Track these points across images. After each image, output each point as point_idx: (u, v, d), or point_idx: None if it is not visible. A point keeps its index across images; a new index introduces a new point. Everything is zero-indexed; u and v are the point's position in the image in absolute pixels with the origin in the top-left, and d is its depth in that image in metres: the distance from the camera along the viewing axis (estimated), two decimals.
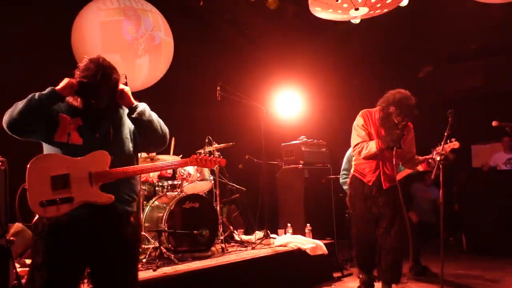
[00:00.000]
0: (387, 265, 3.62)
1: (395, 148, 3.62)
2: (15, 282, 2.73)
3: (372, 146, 3.62)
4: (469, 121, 7.07)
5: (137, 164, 2.28)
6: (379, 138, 3.66)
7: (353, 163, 3.97)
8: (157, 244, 3.94)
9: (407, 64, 7.73)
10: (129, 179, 2.18)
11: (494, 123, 4.38)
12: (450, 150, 4.04)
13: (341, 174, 5.06)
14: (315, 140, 5.86)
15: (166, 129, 2.27)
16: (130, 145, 2.21)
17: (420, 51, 7.60)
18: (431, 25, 6.87)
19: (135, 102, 2.21)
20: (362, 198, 3.77)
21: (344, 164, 5.01)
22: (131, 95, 2.22)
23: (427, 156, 3.93)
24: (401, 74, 7.65)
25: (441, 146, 3.82)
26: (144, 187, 4.65)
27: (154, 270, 3.55)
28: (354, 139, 3.80)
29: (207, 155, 5.00)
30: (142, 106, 2.21)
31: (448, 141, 3.96)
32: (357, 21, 5.20)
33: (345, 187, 4.62)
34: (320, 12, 4.99)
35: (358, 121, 3.83)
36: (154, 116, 2.23)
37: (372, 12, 4.87)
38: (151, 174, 4.87)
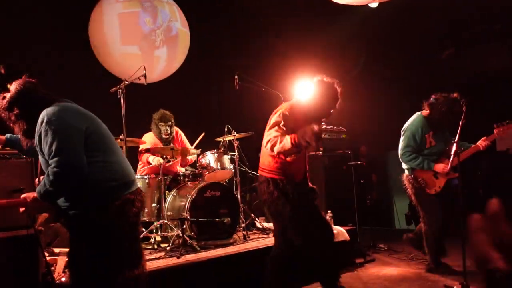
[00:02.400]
0: None
1: None
2: (44, 269, 2.82)
3: None
4: (493, 103, 6.91)
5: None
6: None
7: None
8: (180, 232, 4.00)
9: (429, 47, 7.55)
10: None
11: None
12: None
13: (404, 152, 4.32)
14: (335, 127, 5.82)
15: (50, 188, 2.12)
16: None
17: (441, 33, 7.43)
18: (452, 6, 6.69)
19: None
20: None
21: (407, 140, 4.30)
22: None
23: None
24: (422, 57, 7.50)
25: (457, 135, 3.77)
26: (166, 177, 4.72)
27: (178, 258, 3.62)
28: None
29: (227, 143, 5.03)
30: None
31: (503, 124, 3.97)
32: (375, 4, 5.10)
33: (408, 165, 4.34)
34: None
35: None
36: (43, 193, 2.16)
37: None
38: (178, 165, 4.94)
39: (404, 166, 4.39)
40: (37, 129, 2.20)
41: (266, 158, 3.19)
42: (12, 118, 2.29)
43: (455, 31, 7.31)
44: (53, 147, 2.09)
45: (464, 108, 4.08)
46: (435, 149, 4.29)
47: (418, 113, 4.42)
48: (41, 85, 2.38)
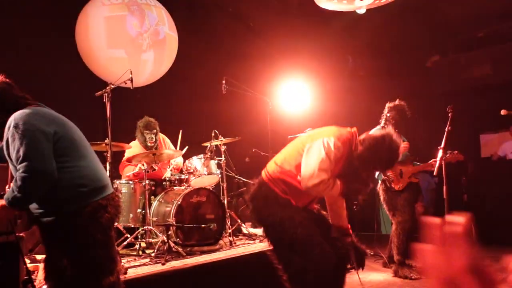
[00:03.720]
0: None
1: None
2: (25, 277, 2.76)
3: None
4: (478, 110, 7.01)
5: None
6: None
7: None
8: (165, 239, 3.96)
9: (414, 54, 7.65)
10: None
11: (502, 112, 4.35)
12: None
13: None
14: None
15: (18, 195, 2.09)
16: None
17: (427, 41, 7.52)
18: (437, 14, 6.79)
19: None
20: None
21: None
22: None
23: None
24: (408, 64, 7.59)
25: (443, 141, 3.85)
26: (151, 182, 4.67)
27: (162, 264, 3.57)
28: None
29: (214, 148, 5.01)
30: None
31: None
32: (363, 11, 5.15)
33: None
34: (325, 3, 4.95)
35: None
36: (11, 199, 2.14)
37: (378, 1, 4.82)
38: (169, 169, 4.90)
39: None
40: (5, 134, 2.15)
41: (285, 175, 2.70)
42: None
43: (440, 39, 7.42)
44: (21, 152, 2.04)
45: (450, 114, 4.16)
46: None
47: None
48: (19, 87, 2.33)
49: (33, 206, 2.19)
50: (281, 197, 2.65)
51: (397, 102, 4.49)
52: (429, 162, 4.45)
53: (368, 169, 2.72)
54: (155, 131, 4.90)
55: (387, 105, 4.52)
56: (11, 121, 2.13)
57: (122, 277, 2.40)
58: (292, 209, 2.65)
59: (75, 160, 2.22)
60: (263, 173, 2.80)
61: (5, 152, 2.20)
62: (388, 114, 4.44)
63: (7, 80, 2.33)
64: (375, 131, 2.79)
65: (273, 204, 2.65)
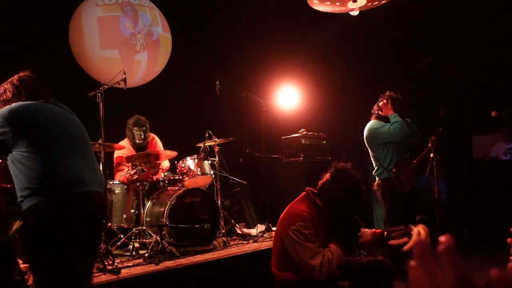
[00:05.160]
0: None
1: None
2: (18, 277, 2.75)
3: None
4: (469, 112, 7.08)
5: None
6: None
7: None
8: (158, 239, 3.95)
9: (406, 56, 7.70)
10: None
11: (493, 114, 4.41)
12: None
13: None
14: (315, 133, 5.86)
15: None
16: None
17: (419, 43, 7.58)
18: (429, 16, 6.86)
19: None
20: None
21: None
22: None
23: None
24: (400, 66, 7.64)
25: (435, 141, 3.86)
26: (145, 183, 4.67)
27: (156, 264, 3.57)
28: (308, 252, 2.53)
29: (208, 149, 5.02)
30: None
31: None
32: (356, 13, 5.18)
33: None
34: (318, 5, 4.97)
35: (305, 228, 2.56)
36: None
37: (370, 4, 4.85)
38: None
39: (379, 171, 4.43)
40: None
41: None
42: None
43: (432, 41, 7.48)
44: None
45: (442, 116, 4.21)
46: None
47: (370, 122, 4.54)
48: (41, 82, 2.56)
49: (19, 193, 2.30)
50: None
51: (387, 93, 4.51)
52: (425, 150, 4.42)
53: (343, 211, 2.63)
54: (144, 128, 4.89)
55: (380, 95, 4.55)
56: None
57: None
58: None
59: (51, 152, 2.32)
60: (277, 284, 2.74)
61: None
62: (380, 103, 4.43)
63: (31, 74, 2.57)
64: (322, 182, 2.71)
65: None
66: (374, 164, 4.45)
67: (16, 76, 2.53)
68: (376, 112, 4.51)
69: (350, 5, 4.83)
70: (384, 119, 4.41)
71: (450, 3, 6.39)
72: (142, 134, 4.87)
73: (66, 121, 2.50)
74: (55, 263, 2.24)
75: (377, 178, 4.43)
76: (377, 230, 2.78)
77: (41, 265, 2.26)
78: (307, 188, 2.79)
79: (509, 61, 7.01)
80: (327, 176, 2.69)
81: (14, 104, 2.38)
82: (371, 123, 4.46)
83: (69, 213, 2.27)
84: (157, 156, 4.61)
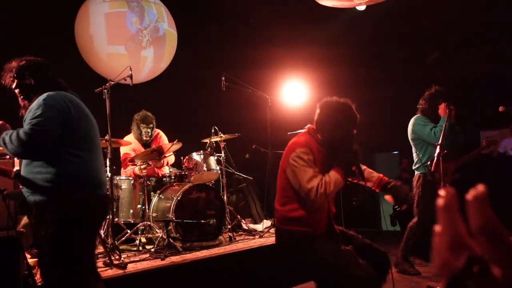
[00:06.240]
0: None
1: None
2: (25, 272, 2.79)
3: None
4: (478, 107, 7.01)
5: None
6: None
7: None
8: (164, 235, 3.98)
9: (415, 50, 7.64)
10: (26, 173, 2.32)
11: (500, 109, 4.36)
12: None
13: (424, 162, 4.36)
14: None
15: (16, 148, 2.25)
16: None
17: (427, 37, 7.51)
18: (438, 10, 6.79)
19: None
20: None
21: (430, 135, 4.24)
22: None
23: None
24: (408, 61, 7.58)
25: (440, 138, 3.82)
26: (151, 178, 4.70)
27: (162, 259, 3.60)
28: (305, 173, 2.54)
29: (214, 145, 5.03)
30: None
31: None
32: (363, 8, 5.15)
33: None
34: (325, 0, 4.95)
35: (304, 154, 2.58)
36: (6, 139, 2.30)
37: None
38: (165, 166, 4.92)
39: (417, 165, 4.41)
40: (31, 105, 2.34)
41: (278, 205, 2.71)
42: (17, 82, 2.45)
43: (440, 36, 7.41)
44: (35, 120, 2.22)
45: (453, 112, 4.17)
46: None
47: (415, 116, 4.46)
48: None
49: (28, 188, 2.29)
50: (302, 233, 2.58)
51: (432, 87, 4.44)
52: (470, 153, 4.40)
53: (341, 137, 2.63)
54: (151, 125, 4.91)
55: (426, 90, 4.47)
56: (44, 95, 2.33)
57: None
58: (316, 245, 2.55)
59: (83, 152, 2.34)
60: (276, 221, 2.77)
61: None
62: (440, 104, 4.31)
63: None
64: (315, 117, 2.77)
65: (299, 248, 2.58)
66: (414, 158, 4.45)
67: (38, 59, 2.53)
68: (420, 106, 4.47)
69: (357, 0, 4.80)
70: (429, 114, 4.36)
71: None
72: (149, 131, 4.89)
73: (90, 117, 2.54)
74: (68, 260, 2.27)
75: (415, 172, 4.43)
76: (385, 178, 2.86)
77: (53, 261, 2.26)
78: (308, 125, 2.79)
79: None
80: (317, 111, 2.73)
81: (54, 93, 2.35)
82: (416, 118, 4.42)
83: (92, 212, 2.38)
84: (161, 151, 4.63)
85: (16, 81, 2.46)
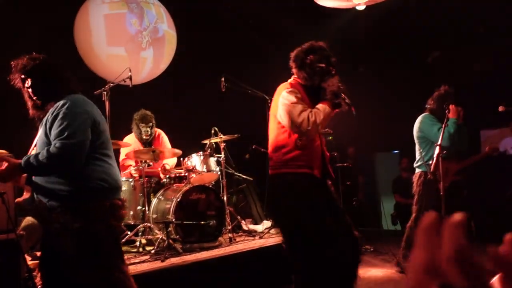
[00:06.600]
0: None
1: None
2: (26, 274, 2.79)
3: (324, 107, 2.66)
4: (478, 106, 7.00)
5: None
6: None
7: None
8: (164, 236, 3.99)
9: (415, 49, 7.63)
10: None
11: (500, 108, 4.36)
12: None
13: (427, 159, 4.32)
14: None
15: (50, 168, 2.17)
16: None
17: (427, 37, 7.51)
18: (437, 9, 6.78)
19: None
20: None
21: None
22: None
23: None
24: (408, 60, 7.58)
25: (440, 139, 3.79)
26: (151, 180, 4.70)
27: (162, 261, 3.61)
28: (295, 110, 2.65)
29: (213, 146, 5.03)
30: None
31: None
32: (362, 7, 5.15)
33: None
34: (324, 1, 4.95)
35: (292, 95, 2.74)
36: (31, 161, 2.16)
37: None
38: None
39: (418, 163, 4.41)
40: (53, 109, 2.22)
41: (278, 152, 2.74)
42: (29, 82, 2.32)
43: (441, 34, 7.40)
44: (66, 132, 2.12)
45: (447, 111, 4.16)
46: None
47: (422, 114, 4.44)
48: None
49: (50, 191, 2.22)
50: (297, 175, 2.67)
51: (442, 87, 4.42)
52: (474, 156, 4.41)
53: (320, 78, 2.79)
54: (151, 124, 4.91)
55: (436, 89, 4.46)
56: (67, 100, 2.22)
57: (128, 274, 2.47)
58: (311, 194, 2.65)
59: (106, 157, 2.33)
60: (271, 169, 2.82)
61: (43, 126, 2.24)
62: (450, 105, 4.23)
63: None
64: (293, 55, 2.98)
65: (290, 193, 2.66)
66: (416, 156, 4.44)
67: (50, 59, 2.40)
68: (429, 106, 4.46)
69: (356, 0, 4.80)
70: (436, 114, 4.34)
71: None
72: (149, 130, 4.89)
73: (105, 120, 2.51)
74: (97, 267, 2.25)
75: (416, 170, 4.42)
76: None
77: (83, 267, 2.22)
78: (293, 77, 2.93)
79: None
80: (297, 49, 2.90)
81: (76, 97, 2.28)
82: (424, 117, 4.41)
83: (118, 216, 2.39)
84: (161, 153, 4.63)
85: (29, 80, 2.32)
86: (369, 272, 4.50)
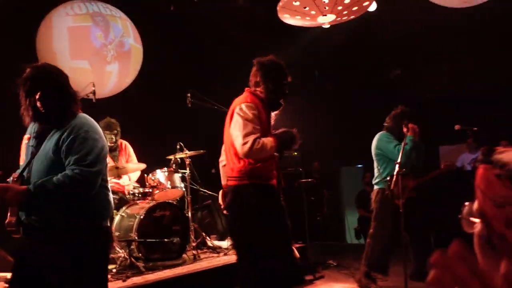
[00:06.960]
0: None
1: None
2: None
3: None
4: (437, 123, 7.28)
5: None
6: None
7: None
8: (126, 255, 3.91)
9: (375, 67, 7.88)
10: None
11: (456, 127, 4.56)
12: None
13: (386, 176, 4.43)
14: None
15: (66, 194, 2.09)
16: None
17: (388, 55, 7.77)
18: (398, 29, 7.03)
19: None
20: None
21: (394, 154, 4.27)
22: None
23: None
24: (369, 77, 7.81)
25: (399, 157, 3.91)
26: (114, 196, 4.61)
27: (123, 281, 3.54)
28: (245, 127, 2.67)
29: (178, 161, 5.00)
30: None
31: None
32: (327, 25, 5.29)
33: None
34: (289, 19, 5.06)
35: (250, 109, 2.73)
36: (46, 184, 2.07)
37: (339, 19, 4.96)
38: (123, 182, 4.85)
39: (376, 180, 4.50)
40: (70, 129, 2.11)
41: (234, 164, 2.77)
42: (40, 95, 2.15)
43: (401, 53, 7.68)
44: (87, 159, 2.08)
45: (405, 129, 4.31)
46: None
47: (380, 132, 4.57)
48: None
49: (56, 211, 2.12)
50: (260, 186, 2.70)
51: (399, 107, 4.55)
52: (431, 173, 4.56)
53: (279, 92, 2.88)
54: (115, 131, 4.83)
55: (394, 108, 4.59)
56: (84, 122, 2.17)
57: None
58: (267, 205, 2.70)
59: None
60: (229, 180, 2.84)
61: (53, 143, 2.12)
62: (408, 124, 4.39)
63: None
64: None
65: (248, 204, 2.69)
66: (375, 173, 4.54)
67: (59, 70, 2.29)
68: (386, 124, 4.57)
69: (320, 19, 4.93)
70: (393, 132, 4.46)
71: (417, 17, 6.56)
72: (113, 137, 4.81)
73: None
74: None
75: (375, 186, 4.51)
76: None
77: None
78: (246, 88, 2.95)
79: (476, 74, 7.26)
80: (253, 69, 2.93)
81: (89, 121, 2.22)
82: (381, 135, 4.52)
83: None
84: (124, 169, 4.57)
85: (41, 92, 2.15)
86: (332, 287, 4.55)
